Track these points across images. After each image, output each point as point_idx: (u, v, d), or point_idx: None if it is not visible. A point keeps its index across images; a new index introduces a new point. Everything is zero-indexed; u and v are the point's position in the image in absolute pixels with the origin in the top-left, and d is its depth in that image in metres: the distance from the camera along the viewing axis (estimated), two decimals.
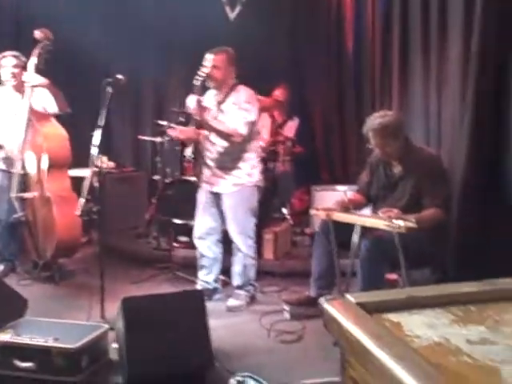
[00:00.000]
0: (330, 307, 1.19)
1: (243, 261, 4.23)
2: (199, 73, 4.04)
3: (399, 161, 3.73)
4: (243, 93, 4.15)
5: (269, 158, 5.87)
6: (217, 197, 4.25)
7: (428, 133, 4.54)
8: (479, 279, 1.39)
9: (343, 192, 4.83)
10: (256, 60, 6.94)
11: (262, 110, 5.93)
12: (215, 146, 4.19)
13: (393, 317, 1.17)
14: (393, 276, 3.94)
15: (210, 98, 4.27)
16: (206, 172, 4.27)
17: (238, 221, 4.19)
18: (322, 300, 1.23)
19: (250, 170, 4.20)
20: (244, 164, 4.18)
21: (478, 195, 3.97)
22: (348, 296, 1.22)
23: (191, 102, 4.07)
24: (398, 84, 5.01)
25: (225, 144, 4.13)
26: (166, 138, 5.43)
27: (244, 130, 4.05)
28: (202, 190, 4.34)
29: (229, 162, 4.17)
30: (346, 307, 1.18)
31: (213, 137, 4.18)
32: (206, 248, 4.34)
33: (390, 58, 5.20)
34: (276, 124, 6.22)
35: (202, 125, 4.16)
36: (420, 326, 1.13)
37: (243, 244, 4.21)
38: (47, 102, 4.72)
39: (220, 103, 4.20)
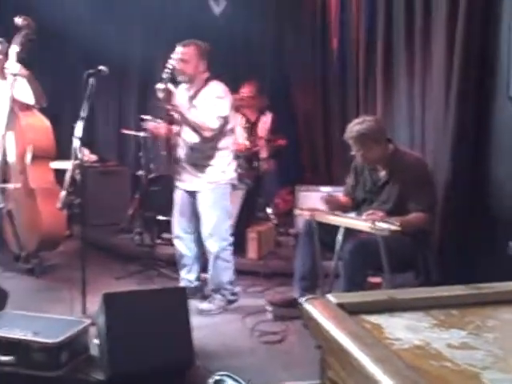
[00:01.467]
0: (310, 307, 1.18)
1: (215, 263, 4.12)
2: (167, 65, 3.91)
3: (384, 165, 3.74)
4: (215, 87, 4.05)
5: (252, 156, 5.85)
6: (192, 195, 4.17)
7: (412, 136, 4.56)
8: (462, 284, 1.39)
9: (327, 193, 4.86)
10: (241, 55, 6.95)
11: (235, 109, 5.95)
12: (187, 143, 4.11)
13: (373, 318, 1.16)
14: (376, 279, 3.95)
15: (182, 92, 4.14)
16: (180, 170, 4.19)
17: (211, 221, 4.07)
18: (302, 299, 1.22)
19: (224, 168, 4.11)
20: (217, 161, 4.09)
21: (460, 199, 4.00)
22: (328, 296, 1.22)
23: (159, 90, 3.90)
24: (382, 87, 5.01)
25: (196, 140, 4.04)
26: (146, 135, 5.36)
27: (214, 125, 3.95)
28: (177, 188, 4.26)
29: (201, 159, 4.08)
30: (326, 307, 1.17)
31: (184, 133, 4.10)
32: (185, 247, 4.28)
33: (374, 59, 5.22)
34: (250, 123, 6.16)
35: (172, 117, 4.10)
36: (401, 328, 1.13)
37: (216, 246, 4.09)
38: (26, 92, 4.69)
39: (192, 98, 4.11)
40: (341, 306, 1.16)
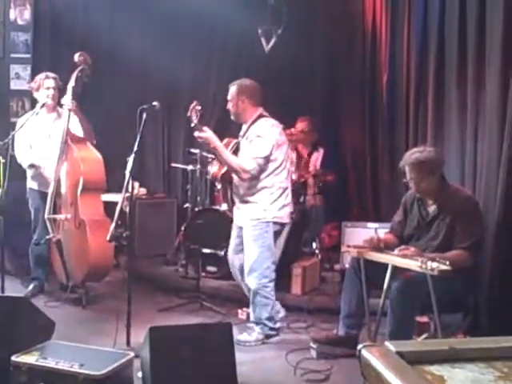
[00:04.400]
0: (368, 355, 1.15)
1: (254, 299, 4.14)
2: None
3: (434, 199, 3.69)
4: (258, 126, 4.10)
5: (299, 191, 5.83)
6: (241, 230, 4.24)
7: (463, 173, 4.47)
8: None
9: (374, 229, 4.81)
10: (290, 92, 6.99)
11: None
12: (235, 180, 4.18)
13: (434, 369, 1.12)
14: (423, 319, 3.86)
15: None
16: (236, 205, 4.27)
17: (251, 257, 4.09)
18: (360, 346, 1.19)
19: (266, 206, 4.09)
20: (260, 199, 4.10)
21: None
22: (387, 344, 1.18)
23: (197, 138, 4.09)
24: (432, 120, 4.95)
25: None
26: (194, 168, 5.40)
27: (250, 166, 3.98)
28: (233, 224, 4.34)
29: (246, 196, 4.14)
30: (386, 356, 1.13)
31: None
32: (242, 283, 4.31)
33: (425, 93, 5.17)
34: (302, 158, 6.17)
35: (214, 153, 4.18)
36: (464, 381, 1.08)
37: (254, 282, 4.09)
38: (77, 126, 4.83)
39: (242, 137, 4.22)
40: (400, 354, 1.13)
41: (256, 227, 4.09)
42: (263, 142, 4.01)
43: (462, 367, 1.14)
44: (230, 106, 4.19)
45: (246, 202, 4.14)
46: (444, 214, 3.63)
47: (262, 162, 4.01)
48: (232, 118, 4.26)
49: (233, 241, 4.36)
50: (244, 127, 4.27)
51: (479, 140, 4.26)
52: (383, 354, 1.14)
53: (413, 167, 3.60)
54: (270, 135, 4.06)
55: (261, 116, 4.16)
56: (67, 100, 4.75)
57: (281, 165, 4.12)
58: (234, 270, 4.37)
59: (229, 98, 4.19)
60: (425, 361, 1.14)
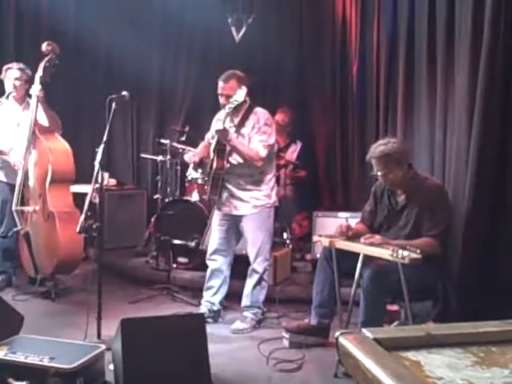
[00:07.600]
0: (346, 342, 1.15)
1: (256, 282, 4.24)
2: (227, 106, 4.01)
3: (403, 189, 3.71)
4: (261, 116, 4.18)
5: None
6: (235, 219, 4.25)
7: (432, 163, 4.51)
8: (482, 314, 1.36)
9: (345, 219, 4.83)
10: (260, 82, 6.97)
11: None
12: (235, 169, 4.18)
13: (411, 355, 1.12)
14: (394, 307, 3.89)
15: (224, 118, 4.15)
16: (225, 195, 4.24)
17: (258, 243, 4.22)
18: (337, 334, 1.19)
19: (268, 192, 4.24)
20: (264, 186, 4.22)
21: (481, 229, 3.92)
22: (364, 331, 1.18)
23: (218, 131, 4.04)
24: (402, 112, 4.98)
25: (245, 166, 4.14)
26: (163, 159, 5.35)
27: (264, 153, 4.10)
28: (219, 212, 4.32)
29: (249, 184, 4.19)
30: (364, 343, 1.13)
31: (233, 159, 4.17)
32: (217, 269, 4.33)
33: (395, 84, 5.21)
34: (278, 148, 6.19)
35: (224, 148, 4.11)
36: (441, 366, 1.09)
37: (261, 267, 4.24)
38: (42, 116, 4.74)
39: (239, 126, 4.19)
40: (377, 341, 1.13)
41: (261, 214, 4.21)
42: (271, 130, 4.18)
43: (438, 352, 1.14)
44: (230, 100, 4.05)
45: (249, 190, 4.20)
46: (413, 204, 3.65)
47: (270, 149, 4.18)
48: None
49: (218, 231, 4.33)
50: (224, 116, 4.11)
51: (448, 129, 4.30)
52: (361, 341, 1.13)
53: (379, 160, 3.61)
54: (273, 124, 4.26)
55: (252, 105, 4.24)
56: (35, 89, 4.66)
57: (274, 152, 4.36)
58: (214, 254, 4.33)
59: (230, 93, 4.04)
60: (402, 347, 1.14)
